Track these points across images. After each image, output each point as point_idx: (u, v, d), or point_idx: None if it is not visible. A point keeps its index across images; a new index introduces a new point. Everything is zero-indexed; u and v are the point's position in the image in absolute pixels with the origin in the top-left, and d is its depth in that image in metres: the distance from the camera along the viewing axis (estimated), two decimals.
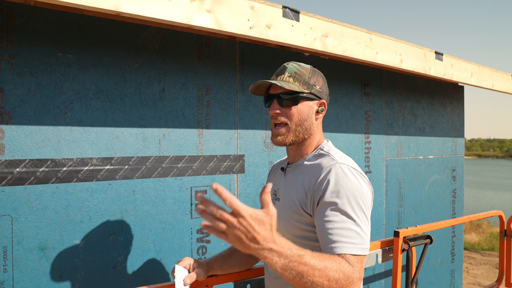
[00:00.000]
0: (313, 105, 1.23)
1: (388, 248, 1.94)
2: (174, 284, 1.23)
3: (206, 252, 1.96)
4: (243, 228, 0.86)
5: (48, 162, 1.53)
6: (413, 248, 1.98)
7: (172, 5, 1.51)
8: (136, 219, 1.74)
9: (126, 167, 1.71)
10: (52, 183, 1.53)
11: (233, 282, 1.49)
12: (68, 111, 1.57)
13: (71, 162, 1.58)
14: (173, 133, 1.85)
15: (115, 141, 1.69)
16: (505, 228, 2.75)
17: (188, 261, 1.29)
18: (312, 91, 1.21)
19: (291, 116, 1.20)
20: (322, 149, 1.23)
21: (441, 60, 2.83)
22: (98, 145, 1.64)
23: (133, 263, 1.73)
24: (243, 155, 2.10)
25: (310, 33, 1.98)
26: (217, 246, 2.00)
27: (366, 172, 2.74)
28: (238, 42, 2.08)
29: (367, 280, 2.73)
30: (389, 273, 2.86)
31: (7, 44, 1.45)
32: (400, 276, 1.96)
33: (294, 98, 1.19)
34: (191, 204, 1.91)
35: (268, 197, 0.88)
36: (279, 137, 1.21)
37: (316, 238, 1.12)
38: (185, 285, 1.22)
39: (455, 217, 3.52)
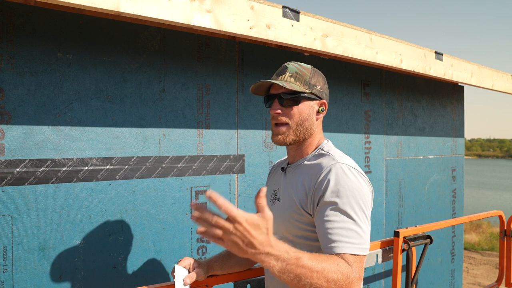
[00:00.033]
0: (314, 105, 1.23)
1: (388, 248, 1.94)
2: (174, 284, 1.23)
3: (206, 252, 1.96)
4: (239, 234, 0.86)
5: (48, 162, 1.53)
6: (413, 248, 1.98)
7: (172, 5, 1.51)
8: (136, 219, 1.74)
9: (126, 167, 1.71)
10: (52, 183, 1.53)
11: (233, 282, 1.49)
12: (68, 111, 1.57)
13: (71, 162, 1.58)
14: (173, 133, 1.85)
15: (115, 141, 1.69)
16: (505, 228, 2.75)
17: (188, 261, 1.29)
18: (313, 91, 1.21)
19: (292, 116, 1.20)
20: (322, 149, 1.23)
21: (441, 60, 2.83)
22: (98, 145, 1.64)
23: (133, 263, 1.73)
24: (243, 155, 2.10)
25: (310, 33, 1.98)
26: (217, 246, 2.00)
27: (366, 172, 2.74)
28: (238, 42, 2.08)
29: (367, 280, 2.73)
30: (389, 273, 2.86)
31: (7, 44, 1.45)
32: (400, 276, 1.96)
33: (295, 98, 1.19)
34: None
35: (263, 201, 0.88)
36: (279, 136, 1.21)
37: (316, 238, 1.12)
38: (185, 285, 1.22)
39: (455, 217, 3.52)
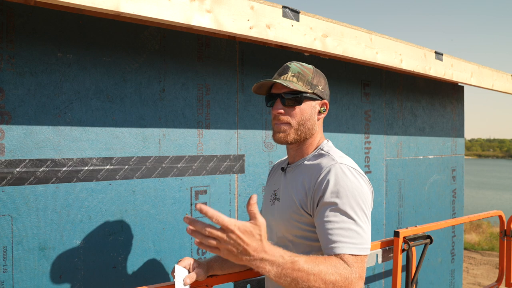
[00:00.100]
0: (315, 105, 1.23)
1: (388, 248, 1.93)
2: (174, 284, 1.23)
3: (206, 252, 1.96)
4: (232, 242, 0.88)
5: (48, 162, 1.53)
6: (413, 248, 1.98)
7: (172, 5, 1.51)
8: (136, 219, 1.74)
9: (126, 167, 1.71)
10: (52, 183, 1.53)
11: (233, 282, 1.49)
12: (68, 111, 1.57)
13: (71, 162, 1.58)
14: (173, 133, 1.85)
15: (115, 141, 1.69)
16: (505, 228, 2.75)
17: (188, 261, 1.29)
18: (315, 91, 1.21)
19: (294, 115, 1.19)
20: (322, 149, 1.23)
21: (441, 60, 2.83)
22: (98, 145, 1.64)
23: (133, 263, 1.73)
24: (243, 155, 2.10)
25: (310, 33, 1.98)
26: None
27: (366, 172, 2.74)
28: (238, 42, 2.08)
29: (367, 280, 2.73)
30: (389, 273, 2.86)
31: (7, 44, 1.45)
32: (400, 276, 1.96)
33: (297, 98, 1.19)
34: (191, 204, 1.91)
35: (254, 208, 0.90)
36: (281, 134, 1.21)
37: (316, 238, 1.12)
38: (185, 285, 1.22)
39: (455, 217, 3.51)
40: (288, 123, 1.20)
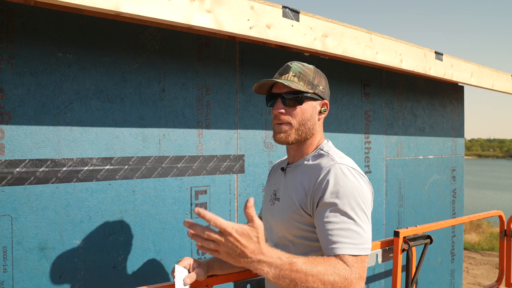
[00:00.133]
0: (316, 105, 1.23)
1: (388, 248, 1.93)
2: (174, 284, 1.23)
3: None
4: (230, 244, 0.90)
5: (48, 162, 1.53)
6: (413, 248, 1.98)
7: (172, 5, 1.51)
8: (136, 219, 1.74)
9: (126, 167, 1.71)
10: (52, 183, 1.53)
11: (233, 282, 1.49)
12: (68, 111, 1.57)
13: (71, 162, 1.58)
14: (173, 133, 1.85)
15: (115, 141, 1.69)
16: (505, 228, 2.75)
17: (188, 261, 1.29)
18: (316, 91, 1.21)
19: (295, 115, 1.19)
20: (321, 149, 1.23)
21: (441, 60, 2.83)
22: (98, 145, 1.64)
23: (133, 263, 1.73)
24: (243, 155, 2.10)
25: (310, 33, 1.98)
26: None
27: (366, 172, 2.74)
28: (238, 42, 2.08)
29: (367, 280, 2.73)
30: (389, 273, 2.86)
31: (7, 44, 1.45)
32: (400, 276, 1.96)
33: (298, 97, 1.19)
34: (191, 204, 1.91)
35: (251, 211, 0.92)
36: (282, 134, 1.20)
37: (316, 238, 1.12)
38: (185, 285, 1.22)
39: (455, 217, 3.51)
40: (289, 123, 1.20)
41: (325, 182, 1.09)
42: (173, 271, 1.25)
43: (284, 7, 1.87)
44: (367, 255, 1.06)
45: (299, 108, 1.19)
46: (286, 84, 1.16)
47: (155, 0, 1.46)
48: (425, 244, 2.01)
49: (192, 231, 0.92)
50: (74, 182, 1.58)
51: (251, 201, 0.92)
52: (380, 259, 1.90)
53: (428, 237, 2.01)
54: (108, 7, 1.36)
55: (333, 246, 1.03)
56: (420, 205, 3.18)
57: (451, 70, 2.92)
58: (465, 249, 7.05)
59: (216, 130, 2.00)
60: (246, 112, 2.11)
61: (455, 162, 3.57)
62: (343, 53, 2.14)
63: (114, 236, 1.68)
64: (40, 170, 1.51)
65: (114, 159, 1.68)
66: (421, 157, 3.21)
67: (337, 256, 1.02)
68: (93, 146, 1.63)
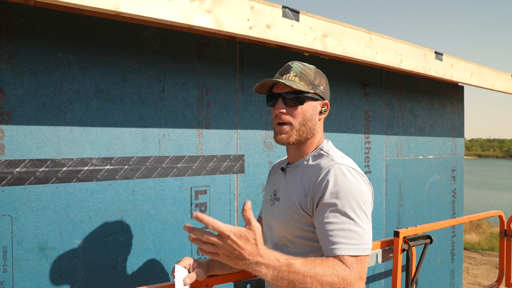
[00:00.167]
0: (317, 105, 1.23)
1: (388, 248, 1.93)
2: (174, 284, 1.23)
3: None
4: (228, 247, 0.92)
5: (48, 162, 1.53)
6: (413, 248, 1.98)
7: (172, 5, 1.51)
8: (136, 219, 1.74)
9: (126, 167, 1.71)
10: (52, 183, 1.53)
11: (233, 282, 1.49)
12: (68, 111, 1.57)
13: (71, 162, 1.58)
14: (173, 133, 1.85)
15: (115, 141, 1.69)
16: (505, 228, 2.75)
17: (188, 261, 1.29)
18: (317, 92, 1.21)
19: (296, 115, 1.19)
20: (321, 149, 1.22)
21: (441, 60, 2.83)
22: (98, 145, 1.64)
23: (133, 263, 1.73)
24: (243, 155, 2.10)
25: (310, 33, 1.98)
26: None
27: (366, 172, 2.74)
28: (238, 42, 2.08)
29: (367, 280, 2.73)
30: (389, 273, 2.86)
31: (7, 44, 1.45)
32: (400, 276, 1.96)
33: (299, 97, 1.18)
34: (191, 204, 1.91)
35: (249, 214, 0.94)
36: (283, 135, 1.20)
37: (317, 238, 1.12)
38: (185, 285, 1.22)
39: (455, 217, 3.52)
40: (290, 123, 1.19)
41: (324, 183, 1.09)
42: (173, 271, 1.25)
43: (284, 7, 1.88)
44: (368, 255, 1.06)
45: (300, 108, 1.19)
46: (288, 84, 1.16)
47: (155, 0, 1.46)
48: (425, 244, 2.01)
49: (192, 236, 0.95)
50: (74, 182, 1.58)
51: (248, 204, 0.95)
52: (380, 259, 1.90)
53: (428, 237, 2.01)
54: (108, 7, 1.36)
55: (333, 246, 1.03)
56: (420, 205, 3.18)
57: (451, 70, 2.92)
58: (465, 249, 7.05)
59: (216, 130, 2.00)
60: (246, 112, 2.11)
61: (455, 162, 3.57)
62: (343, 53, 2.14)
63: (114, 236, 1.68)
64: (40, 170, 1.51)
65: (114, 159, 1.68)
66: (421, 157, 3.21)
67: (336, 256, 1.02)
68: (93, 146, 1.63)
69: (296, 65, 1.22)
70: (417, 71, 2.64)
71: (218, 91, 2.00)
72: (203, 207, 1.95)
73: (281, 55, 2.27)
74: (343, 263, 1.00)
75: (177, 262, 1.29)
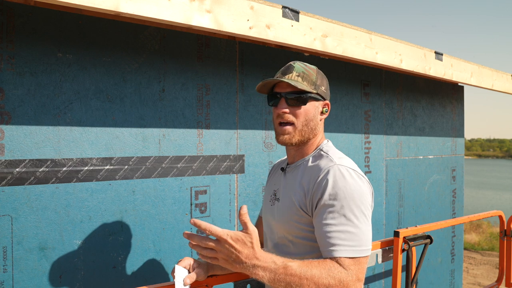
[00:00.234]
0: (318, 105, 1.23)
1: (388, 248, 1.93)
2: (174, 284, 1.23)
3: None
4: (226, 251, 0.96)
5: (48, 162, 1.53)
6: (413, 248, 1.98)
7: (172, 5, 1.51)
8: (136, 219, 1.74)
9: (126, 167, 1.71)
10: (52, 183, 1.53)
11: (233, 282, 1.49)
12: (68, 111, 1.57)
13: (71, 162, 1.58)
14: (173, 133, 1.85)
15: (115, 141, 1.69)
16: (505, 228, 2.75)
17: (188, 261, 1.29)
18: (319, 92, 1.21)
19: (299, 115, 1.19)
20: (321, 150, 1.22)
21: (441, 60, 2.83)
22: (98, 145, 1.64)
23: (133, 263, 1.73)
24: (243, 155, 2.10)
25: (310, 33, 1.98)
26: None
27: (366, 172, 2.74)
28: (238, 42, 2.08)
29: (367, 280, 2.73)
30: (389, 273, 2.86)
31: (7, 44, 1.45)
32: (400, 276, 1.96)
33: (302, 98, 1.18)
34: (191, 204, 1.91)
35: (245, 217, 0.97)
36: (286, 136, 1.20)
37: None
38: (185, 285, 1.22)
39: (455, 217, 3.52)
40: (293, 123, 1.19)
41: (323, 184, 1.09)
42: (173, 271, 1.25)
43: (284, 7, 1.88)
44: (366, 256, 1.05)
45: (302, 108, 1.19)
46: (292, 83, 1.15)
47: (155, 0, 1.46)
48: (425, 244, 2.01)
49: (192, 242, 0.99)
50: (74, 182, 1.58)
51: (244, 209, 0.97)
52: (380, 259, 1.90)
53: (428, 237, 2.01)
54: (108, 7, 1.36)
55: (330, 248, 1.03)
56: (420, 205, 3.18)
57: (451, 70, 2.92)
58: (465, 249, 7.05)
59: (216, 130, 2.00)
60: (246, 112, 2.11)
61: (455, 162, 3.57)
62: (343, 53, 2.14)
63: (114, 236, 1.68)
64: (40, 170, 1.51)
65: (114, 159, 1.68)
66: (421, 157, 3.21)
67: (333, 258, 1.02)
68: (93, 146, 1.63)
69: (298, 65, 1.22)
70: (417, 71, 2.64)
71: (218, 91, 2.00)
72: (203, 207, 1.95)
73: (281, 55, 2.27)
74: (340, 265, 1.01)
75: (177, 262, 1.29)
